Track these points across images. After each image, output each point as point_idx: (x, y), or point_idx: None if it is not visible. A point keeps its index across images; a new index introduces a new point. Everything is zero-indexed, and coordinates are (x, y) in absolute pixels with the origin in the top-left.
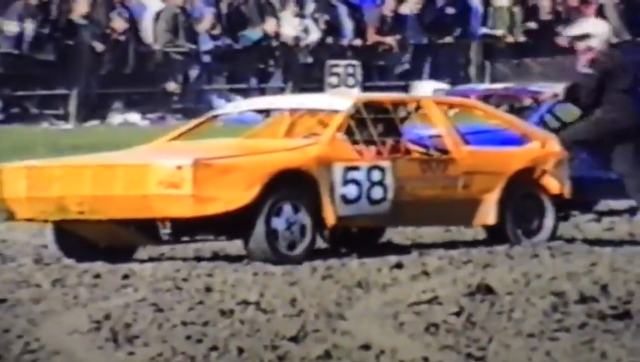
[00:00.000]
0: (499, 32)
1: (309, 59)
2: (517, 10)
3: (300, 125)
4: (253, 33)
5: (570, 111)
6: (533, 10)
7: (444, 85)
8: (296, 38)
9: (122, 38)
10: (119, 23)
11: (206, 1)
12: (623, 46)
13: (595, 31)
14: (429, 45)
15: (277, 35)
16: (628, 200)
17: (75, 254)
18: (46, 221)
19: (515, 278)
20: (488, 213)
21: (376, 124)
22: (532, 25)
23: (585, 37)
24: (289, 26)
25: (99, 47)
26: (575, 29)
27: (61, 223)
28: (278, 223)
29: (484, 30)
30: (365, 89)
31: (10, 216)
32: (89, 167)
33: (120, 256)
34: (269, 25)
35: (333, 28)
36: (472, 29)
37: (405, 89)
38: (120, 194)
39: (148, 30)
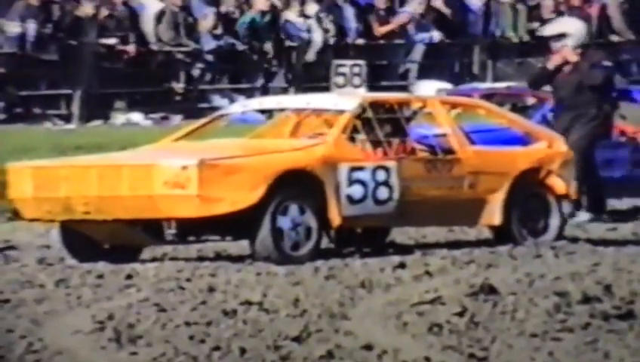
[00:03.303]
0: (502, 32)
1: (313, 59)
2: (521, 8)
3: (306, 125)
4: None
5: None
6: (536, 9)
7: (446, 85)
8: (300, 38)
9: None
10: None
11: (207, 0)
12: (626, 45)
13: (569, 30)
14: (431, 45)
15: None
16: (631, 200)
17: (80, 254)
18: (52, 221)
19: (519, 278)
20: (494, 213)
21: (382, 123)
22: (535, 24)
23: (560, 37)
24: (293, 26)
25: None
26: (550, 29)
27: (67, 223)
28: (284, 223)
29: (489, 29)
30: (369, 89)
31: (16, 216)
32: (95, 168)
33: (125, 256)
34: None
35: (337, 27)
36: (474, 29)
37: (407, 89)
38: (126, 194)
39: (149, 30)
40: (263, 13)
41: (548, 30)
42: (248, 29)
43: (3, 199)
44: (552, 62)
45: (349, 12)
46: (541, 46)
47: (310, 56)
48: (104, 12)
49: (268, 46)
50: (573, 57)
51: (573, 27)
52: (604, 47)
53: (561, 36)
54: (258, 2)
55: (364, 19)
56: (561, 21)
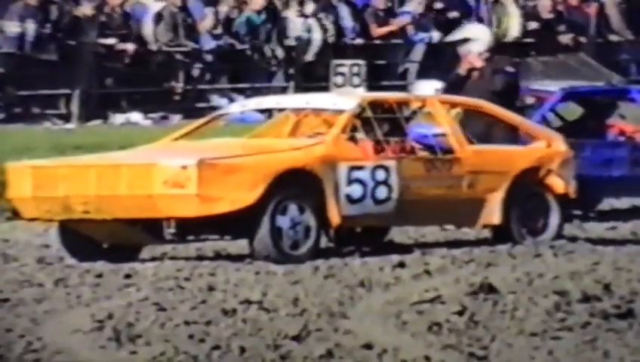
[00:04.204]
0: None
1: (312, 59)
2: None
3: (305, 125)
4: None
5: (573, 110)
6: (534, 9)
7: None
8: (299, 38)
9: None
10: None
11: (205, 0)
12: (625, 45)
13: (474, 36)
14: (430, 44)
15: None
16: (630, 200)
17: (79, 254)
18: (51, 220)
19: (518, 277)
20: (493, 213)
21: (381, 123)
22: (533, 24)
23: (465, 41)
24: (292, 25)
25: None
26: (456, 34)
27: (66, 223)
28: (283, 222)
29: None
30: (368, 88)
31: (15, 215)
32: (94, 167)
33: (124, 255)
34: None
35: (335, 27)
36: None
37: (406, 88)
38: (125, 193)
39: (148, 30)
40: (259, 12)
41: (453, 36)
42: (246, 29)
43: (2, 198)
44: (462, 68)
45: (345, 11)
46: (540, 45)
47: (309, 56)
48: (105, 12)
49: (268, 46)
50: (479, 63)
51: (477, 33)
52: (602, 46)
53: (466, 41)
54: (254, 1)
55: (362, 19)
56: (467, 27)
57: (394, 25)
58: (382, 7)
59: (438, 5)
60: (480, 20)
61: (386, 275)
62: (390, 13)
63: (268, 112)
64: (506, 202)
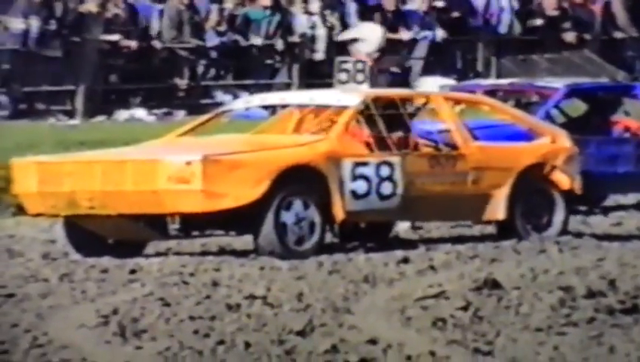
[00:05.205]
0: (505, 28)
1: (316, 55)
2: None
3: (309, 121)
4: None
5: (577, 106)
6: (539, 6)
7: (449, 81)
8: (303, 35)
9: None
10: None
11: None
12: (630, 42)
13: (363, 36)
14: (434, 42)
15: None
16: (636, 195)
17: (85, 249)
18: (56, 216)
19: (523, 273)
20: (498, 209)
21: (385, 119)
22: (538, 21)
23: (355, 41)
24: (296, 22)
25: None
26: (346, 34)
27: (71, 218)
28: (287, 217)
29: (493, 26)
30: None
31: (20, 211)
32: (99, 163)
33: (129, 251)
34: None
35: (340, 24)
36: (478, 25)
37: (411, 85)
38: (130, 189)
39: (154, 26)
40: (266, 8)
41: (344, 35)
42: (243, 24)
43: (8, 194)
44: None
45: (352, 8)
46: (545, 43)
47: (319, 55)
48: (109, 9)
49: (266, 42)
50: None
51: (368, 33)
52: (607, 43)
53: (355, 41)
54: None
55: (368, 18)
56: (360, 26)
57: (400, 34)
58: (391, 8)
59: (439, 4)
60: (486, 20)
61: (391, 271)
62: (397, 16)
63: (272, 108)
64: (511, 198)
